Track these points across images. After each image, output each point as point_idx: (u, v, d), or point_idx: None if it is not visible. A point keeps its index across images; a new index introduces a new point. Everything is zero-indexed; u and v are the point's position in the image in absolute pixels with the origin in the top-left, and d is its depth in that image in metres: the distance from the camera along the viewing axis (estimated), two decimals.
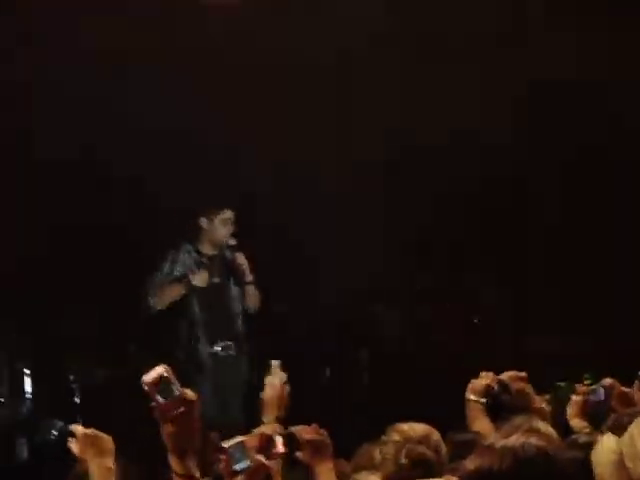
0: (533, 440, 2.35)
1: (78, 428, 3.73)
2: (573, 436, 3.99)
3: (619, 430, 3.21)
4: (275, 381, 4.39)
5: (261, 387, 4.43)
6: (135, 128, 8.39)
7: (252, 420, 7.10)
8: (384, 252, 9.17)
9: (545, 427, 4.42)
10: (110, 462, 3.64)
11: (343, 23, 8.72)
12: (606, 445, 3.15)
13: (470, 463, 2.33)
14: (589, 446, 3.38)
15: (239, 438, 3.35)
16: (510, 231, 9.67)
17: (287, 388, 4.43)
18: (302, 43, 8.66)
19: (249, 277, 7.56)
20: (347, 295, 9.25)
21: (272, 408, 4.33)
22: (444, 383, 6.81)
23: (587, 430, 4.69)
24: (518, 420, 4.54)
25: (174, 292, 7.50)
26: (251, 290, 7.60)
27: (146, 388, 2.86)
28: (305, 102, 8.89)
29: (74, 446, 3.70)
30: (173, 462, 2.80)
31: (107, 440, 3.69)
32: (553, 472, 2.30)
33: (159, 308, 7.54)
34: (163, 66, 8.40)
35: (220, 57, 8.61)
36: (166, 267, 7.58)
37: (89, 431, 3.70)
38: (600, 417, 4.73)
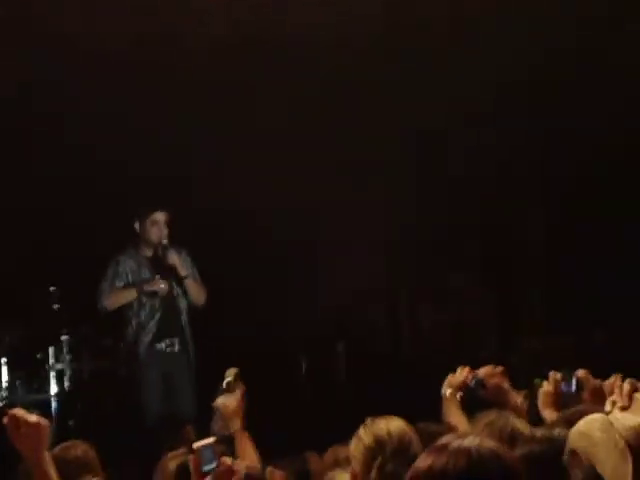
0: (487, 442, 2.37)
1: (15, 411, 3.42)
2: (530, 430, 3.98)
3: (568, 425, 3.19)
4: (235, 392, 4.48)
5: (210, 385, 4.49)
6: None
7: (197, 410, 7.30)
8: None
9: (519, 423, 4.45)
10: (44, 454, 3.39)
11: None
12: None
13: (422, 461, 2.33)
14: (548, 440, 3.37)
15: (210, 440, 3.39)
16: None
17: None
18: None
19: (184, 272, 7.75)
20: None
21: (236, 418, 4.41)
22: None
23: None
24: (490, 416, 4.58)
25: (126, 297, 7.77)
26: (190, 284, 7.80)
27: None
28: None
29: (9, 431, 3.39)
30: None
31: (40, 427, 3.40)
32: (506, 474, 2.31)
33: (110, 310, 7.81)
34: None
35: None
36: (111, 271, 7.82)
37: (20, 414, 3.40)
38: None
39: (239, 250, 9.26)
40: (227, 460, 3.28)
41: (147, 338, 7.77)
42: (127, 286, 7.81)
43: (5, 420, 3.40)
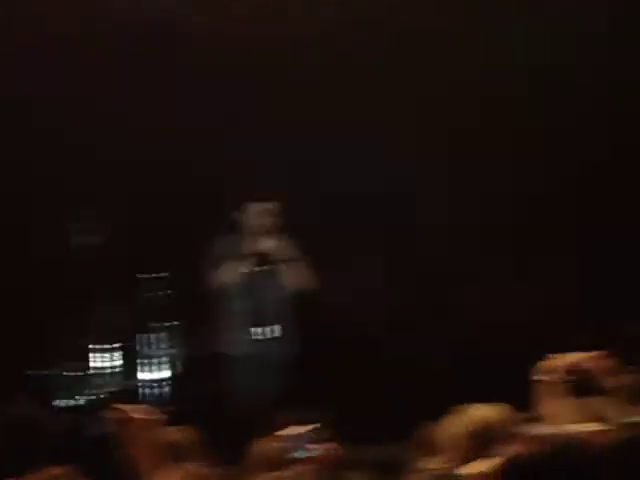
0: (573, 429, 2.44)
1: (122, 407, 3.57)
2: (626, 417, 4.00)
3: None
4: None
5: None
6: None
7: (290, 398, 7.46)
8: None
9: (619, 409, 4.47)
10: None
11: None
12: None
13: (510, 449, 2.43)
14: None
15: (299, 428, 3.51)
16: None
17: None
18: None
19: (289, 254, 7.85)
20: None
21: None
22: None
23: None
24: (593, 402, 4.61)
25: (239, 268, 7.88)
26: (297, 267, 7.86)
27: None
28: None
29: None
30: None
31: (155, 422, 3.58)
32: (591, 461, 2.38)
33: (227, 286, 7.90)
34: None
35: None
36: (218, 252, 7.90)
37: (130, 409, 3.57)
38: None
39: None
40: (316, 448, 3.38)
41: (247, 324, 7.90)
42: (237, 259, 7.87)
43: (115, 417, 3.47)
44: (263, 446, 3.98)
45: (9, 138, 8.91)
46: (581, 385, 5.03)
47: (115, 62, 8.95)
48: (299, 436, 3.42)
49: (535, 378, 4.96)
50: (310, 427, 3.48)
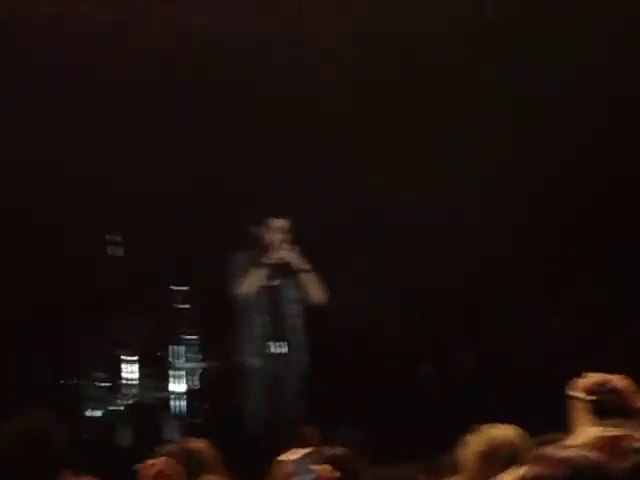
0: (590, 453, 2.41)
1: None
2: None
3: None
4: None
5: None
6: None
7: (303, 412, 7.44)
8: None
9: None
10: None
11: None
12: None
13: (529, 471, 2.40)
14: None
15: (304, 451, 3.48)
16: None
17: None
18: None
19: (302, 265, 7.93)
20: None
21: None
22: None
23: None
24: (610, 423, 4.57)
25: (258, 276, 7.95)
26: (310, 279, 7.95)
27: None
28: None
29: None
30: None
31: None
32: None
33: (251, 294, 7.96)
34: None
35: None
36: (237, 264, 8.03)
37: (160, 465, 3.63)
38: None
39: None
40: (327, 468, 3.36)
41: (266, 337, 7.96)
42: (253, 267, 7.96)
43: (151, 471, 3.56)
44: (271, 471, 3.94)
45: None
46: (611, 406, 4.99)
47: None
48: (302, 460, 3.38)
49: (572, 395, 4.92)
50: (306, 451, 3.45)
